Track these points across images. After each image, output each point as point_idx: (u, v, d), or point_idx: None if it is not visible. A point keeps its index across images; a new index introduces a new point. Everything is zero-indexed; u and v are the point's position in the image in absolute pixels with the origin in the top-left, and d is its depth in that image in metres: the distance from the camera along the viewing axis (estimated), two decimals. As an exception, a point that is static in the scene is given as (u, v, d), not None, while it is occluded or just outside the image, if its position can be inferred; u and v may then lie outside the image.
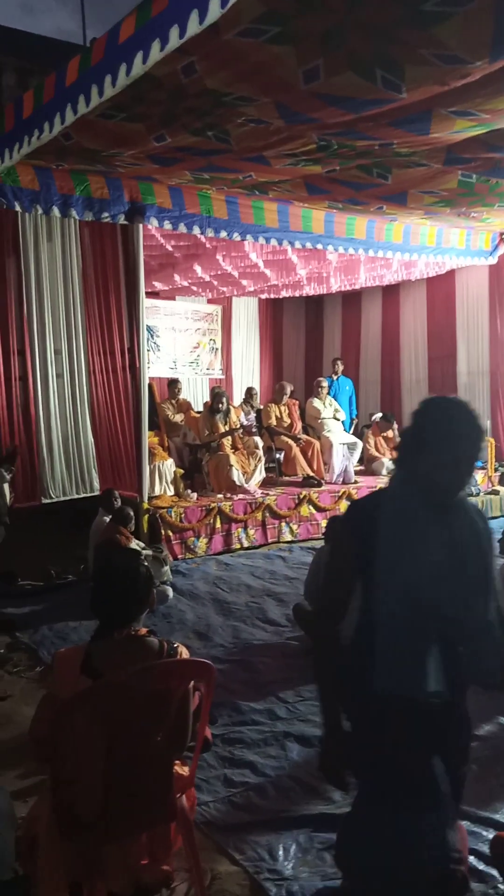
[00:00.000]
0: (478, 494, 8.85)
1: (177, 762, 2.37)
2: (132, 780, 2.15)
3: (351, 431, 10.20)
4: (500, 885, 2.45)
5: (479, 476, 9.15)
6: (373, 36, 3.50)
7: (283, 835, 2.77)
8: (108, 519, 5.77)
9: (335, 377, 10.61)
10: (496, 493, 9.02)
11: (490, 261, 9.53)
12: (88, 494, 6.73)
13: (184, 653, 2.31)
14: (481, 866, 2.54)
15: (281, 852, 2.66)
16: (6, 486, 5.65)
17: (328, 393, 9.82)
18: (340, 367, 10.83)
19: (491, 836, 2.62)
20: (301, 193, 6.73)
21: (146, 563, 2.44)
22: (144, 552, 5.92)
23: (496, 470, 9.44)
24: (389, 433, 9.64)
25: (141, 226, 6.50)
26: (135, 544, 5.66)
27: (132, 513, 5.71)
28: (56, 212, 5.97)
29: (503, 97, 4.22)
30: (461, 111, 4.44)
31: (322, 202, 7.20)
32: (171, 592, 5.68)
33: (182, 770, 2.42)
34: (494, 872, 2.50)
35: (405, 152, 5.34)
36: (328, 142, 5.03)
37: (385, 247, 8.39)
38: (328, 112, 4.38)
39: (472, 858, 2.51)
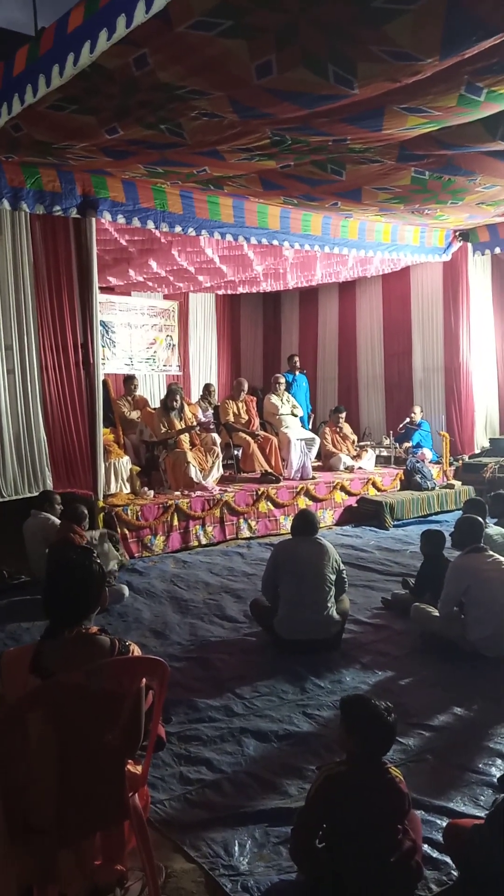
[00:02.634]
0: (433, 489, 8.97)
1: (130, 761, 2.34)
2: (85, 782, 2.12)
3: (309, 427, 10.26)
4: (453, 872, 2.48)
5: (434, 471, 9.30)
6: (325, 33, 3.51)
7: (239, 830, 2.76)
8: (47, 518, 5.79)
9: (294, 373, 10.65)
10: (451, 486, 9.16)
11: (444, 258, 9.67)
12: (41, 493, 6.61)
13: (135, 651, 2.28)
14: (435, 854, 2.58)
15: (237, 848, 2.65)
16: None
17: (286, 389, 9.85)
18: (298, 364, 10.87)
19: (444, 824, 2.66)
20: (256, 188, 6.73)
21: (98, 562, 2.40)
22: (99, 532, 5.96)
23: (451, 464, 9.59)
24: (344, 428, 9.77)
25: (94, 220, 6.42)
26: (88, 535, 5.63)
27: (86, 510, 5.64)
28: (6, 205, 5.86)
29: (454, 94, 4.29)
30: (413, 108, 4.49)
31: (277, 198, 7.21)
32: (126, 591, 5.62)
33: (135, 769, 2.39)
34: (447, 860, 2.53)
35: (359, 148, 5.38)
36: (282, 137, 5.04)
37: (341, 243, 8.46)
38: (281, 107, 4.38)
39: (426, 847, 2.55)
